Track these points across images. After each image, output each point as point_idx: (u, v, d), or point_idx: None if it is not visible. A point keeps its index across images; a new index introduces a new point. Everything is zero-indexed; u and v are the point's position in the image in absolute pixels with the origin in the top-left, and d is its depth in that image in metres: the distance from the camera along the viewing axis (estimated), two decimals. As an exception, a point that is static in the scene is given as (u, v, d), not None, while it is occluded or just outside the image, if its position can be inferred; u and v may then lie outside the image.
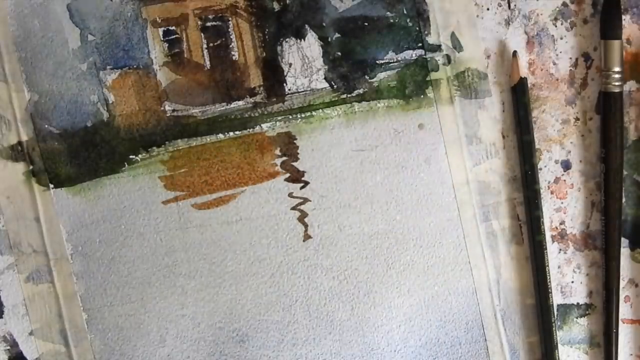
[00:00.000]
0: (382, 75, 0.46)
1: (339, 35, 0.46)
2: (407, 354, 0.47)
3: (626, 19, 0.47)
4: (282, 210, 0.46)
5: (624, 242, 0.48)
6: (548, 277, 0.46)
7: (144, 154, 0.45)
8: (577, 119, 0.48)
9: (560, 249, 0.48)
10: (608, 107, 0.46)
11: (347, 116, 0.46)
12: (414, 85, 0.46)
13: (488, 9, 0.47)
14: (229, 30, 0.45)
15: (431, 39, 0.46)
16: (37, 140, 0.44)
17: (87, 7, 0.44)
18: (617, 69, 0.46)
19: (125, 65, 0.44)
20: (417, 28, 0.46)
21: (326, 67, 0.46)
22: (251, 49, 0.45)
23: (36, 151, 0.44)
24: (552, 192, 0.48)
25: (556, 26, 0.47)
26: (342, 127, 0.46)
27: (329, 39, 0.45)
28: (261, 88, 0.45)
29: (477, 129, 0.47)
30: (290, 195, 0.46)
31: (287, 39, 0.45)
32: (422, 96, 0.46)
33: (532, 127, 0.46)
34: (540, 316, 0.47)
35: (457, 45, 0.46)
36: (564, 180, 0.48)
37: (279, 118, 0.45)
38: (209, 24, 0.45)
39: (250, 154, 0.45)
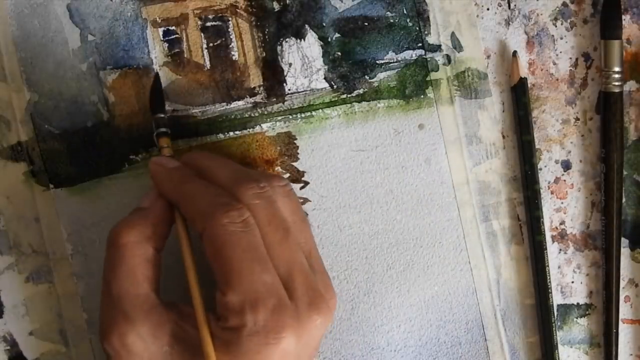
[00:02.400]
0: (382, 75, 0.46)
1: (339, 35, 0.46)
2: (407, 354, 0.47)
3: (626, 19, 0.47)
4: (282, 210, 0.46)
5: (624, 242, 0.48)
6: (548, 277, 0.46)
7: (144, 154, 0.45)
8: (577, 119, 0.48)
9: (560, 249, 0.48)
10: (608, 107, 0.46)
11: (347, 116, 0.46)
12: (414, 85, 0.46)
13: (488, 9, 0.47)
14: (229, 30, 0.45)
15: (431, 39, 0.46)
16: (37, 140, 0.44)
17: (87, 7, 0.44)
18: (617, 69, 0.46)
19: (125, 65, 0.44)
20: (417, 28, 0.46)
21: (326, 67, 0.46)
22: (251, 49, 0.45)
23: (36, 151, 0.44)
24: (552, 192, 0.48)
25: (556, 26, 0.47)
26: (342, 127, 0.46)
27: (329, 39, 0.46)
28: (261, 88, 0.45)
29: (477, 129, 0.47)
30: (290, 195, 0.46)
31: (287, 39, 0.45)
32: (422, 96, 0.46)
33: (532, 127, 0.46)
34: (540, 316, 0.47)
35: (457, 45, 0.46)
36: (564, 180, 0.48)
37: (279, 118, 0.45)
38: (209, 24, 0.45)
39: (250, 154, 0.45)
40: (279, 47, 0.45)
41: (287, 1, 0.45)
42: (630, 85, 0.47)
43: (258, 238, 0.36)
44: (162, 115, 0.42)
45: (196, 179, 0.39)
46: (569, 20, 0.47)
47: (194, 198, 0.38)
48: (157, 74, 0.43)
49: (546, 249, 0.46)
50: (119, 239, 0.38)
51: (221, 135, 0.45)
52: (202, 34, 0.45)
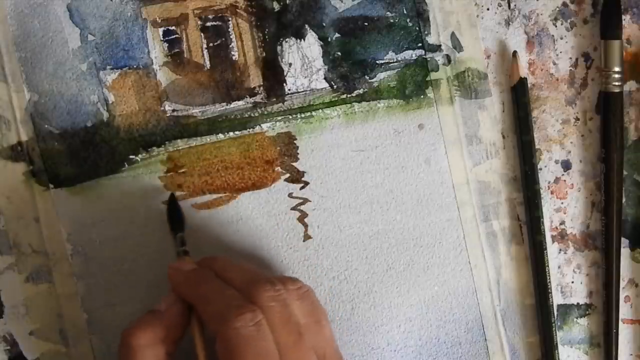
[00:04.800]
0: (382, 75, 0.46)
1: (339, 35, 0.46)
2: (407, 354, 0.47)
3: (626, 19, 0.47)
4: (282, 211, 0.46)
5: (624, 242, 0.48)
6: (548, 277, 0.46)
7: (144, 154, 0.45)
8: (577, 119, 0.48)
9: (560, 249, 0.48)
10: (608, 107, 0.46)
11: (347, 116, 0.46)
12: (414, 85, 0.46)
13: (488, 9, 0.47)
14: (229, 30, 0.45)
15: (431, 39, 0.46)
16: (37, 140, 0.44)
17: (87, 7, 0.44)
18: (617, 69, 0.46)
19: (125, 65, 0.44)
20: (417, 28, 0.46)
21: (326, 67, 0.46)
22: (251, 49, 0.45)
23: (36, 151, 0.44)
24: (552, 192, 0.48)
25: (556, 26, 0.47)
26: (342, 127, 0.46)
27: (329, 39, 0.46)
28: (261, 88, 0.45)
29: (477, 129, 0.47)
30: (290, 195, 0.46)
31: (287, 39, 0.45)
32: (422, 96, 0.46)
33: (532, 127, 0.46)
34: (540, 316, 0.47)
35: (457, 45, 0.46)
36: (564, 180, 0.48)
37: (279, 118, 0.45)
38: (209, 24, 0.45)
39: (250, 154, 0.45)
40: (279, 47, 0.45)
41: (287, 1, 0.45)
42: (630, 85, 0.47)
43: (270, 342, 0.36)
44: (182, 234, 0.43)
45: (213, 279, 0.39)
46: (569, 20, 0.47)
47: (209, 299, 0.38)
48: (172, 194, 0.44)
49: (546, 249, 0.46)
50: (131, 340, 0.38)
51: (221, 135, 0.45)
52: (202, 34, 0.45)
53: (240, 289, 0.38)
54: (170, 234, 0.43)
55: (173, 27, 0.45)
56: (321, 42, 0.46)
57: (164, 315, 0.39)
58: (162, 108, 0.45)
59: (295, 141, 0.46)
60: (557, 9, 0.47)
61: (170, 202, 0.44)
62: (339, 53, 0.46)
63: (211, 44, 0.45)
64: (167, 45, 0.45)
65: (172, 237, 0.43)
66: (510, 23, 0.47)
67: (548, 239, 0.47)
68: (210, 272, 0.40)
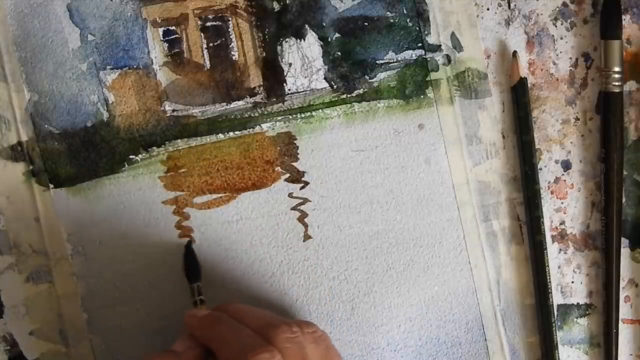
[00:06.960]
0: (382, 75, 0.46)
1: (339, 35, 0.46)
2: (407, 354, 0.47)
3: (626, 19, 0.47)
4: (282, 211, 0.46)
5: (624, 242, 0.48)
6: (548, 277, 0.46)
7: (144, 154, 0.45)
8: (577, 119, 0.48)
9: (560, 249, 0.48)
10: (608, 107, 0.46)
11: (347, 116, 0.46)
12: (414, 85, 0.46)
13: (488, 9, 0.47)
14: (229, 30, 0.45)
15: (431, 39, 0.46)
16: (37, 140, 0.44)
17: (87, 7, 0.44)
18: (617, 69, 0.46)
19: (125, 65, 0.44)
20: (417, 28, 0.46)
21: (326, 67, 0.46)
22: (251, 49, 0.45)
23: (36, 151, 0.44)
24: (552, 192, 0.48)
25: (556, 26, 0.47)
26: (342, 127, 0.46)
27: (329, 39, 0.46)
28: (261, 88, 0.45)
29: (477, 129, 0.47)
30: (290, 195, 0.46)
31: (287, 39, 0.45)
32: (422, 96, 0.46)
33: (532, 127, 0.46)
34: (540, 316, 0.47)
35: (457, 45, 0.46)
36: (564, 180, 0.48)
37: (279, 118, 0.45)
38: (209, 24, 0.45)
39: (250, 154, 0.45)
40: (279, 47, 0.45)
41: (287, 1, 0.45)
42: (630, 85, 0.47)
43: None
44: (199, 284, 0.43)
45: (229, 320, 0.40)
46: (569, 20, 0.47)
47: (226, 340, 0.38)
48: (189, 244, 0.45)
49: (546, 249, 0.46)
50: None
51: (221, 135, 0.45)
52: (202, 34, 0.45)
53: (256, 330, 0.38)
54: (187, 283, 0.44)
55: (173, 27, 0.45)
56: (321, 42, 0.46)
57: (181, 357, 0.39)
58: (162, 108, 0.45)
59: (295, 141, 0.46)
60: (557, 9, 0.47)
61: (186, 251, 0.44)
62: (339, 53, 0.46)
63: (211, 44, 0.45)
64: (167, 45, 0.45)
65: (187, 284, 0.44)
66: (510, 23, 0.47)
67: (548, 239, 0.47)
68: (226, 315, 0.40)
